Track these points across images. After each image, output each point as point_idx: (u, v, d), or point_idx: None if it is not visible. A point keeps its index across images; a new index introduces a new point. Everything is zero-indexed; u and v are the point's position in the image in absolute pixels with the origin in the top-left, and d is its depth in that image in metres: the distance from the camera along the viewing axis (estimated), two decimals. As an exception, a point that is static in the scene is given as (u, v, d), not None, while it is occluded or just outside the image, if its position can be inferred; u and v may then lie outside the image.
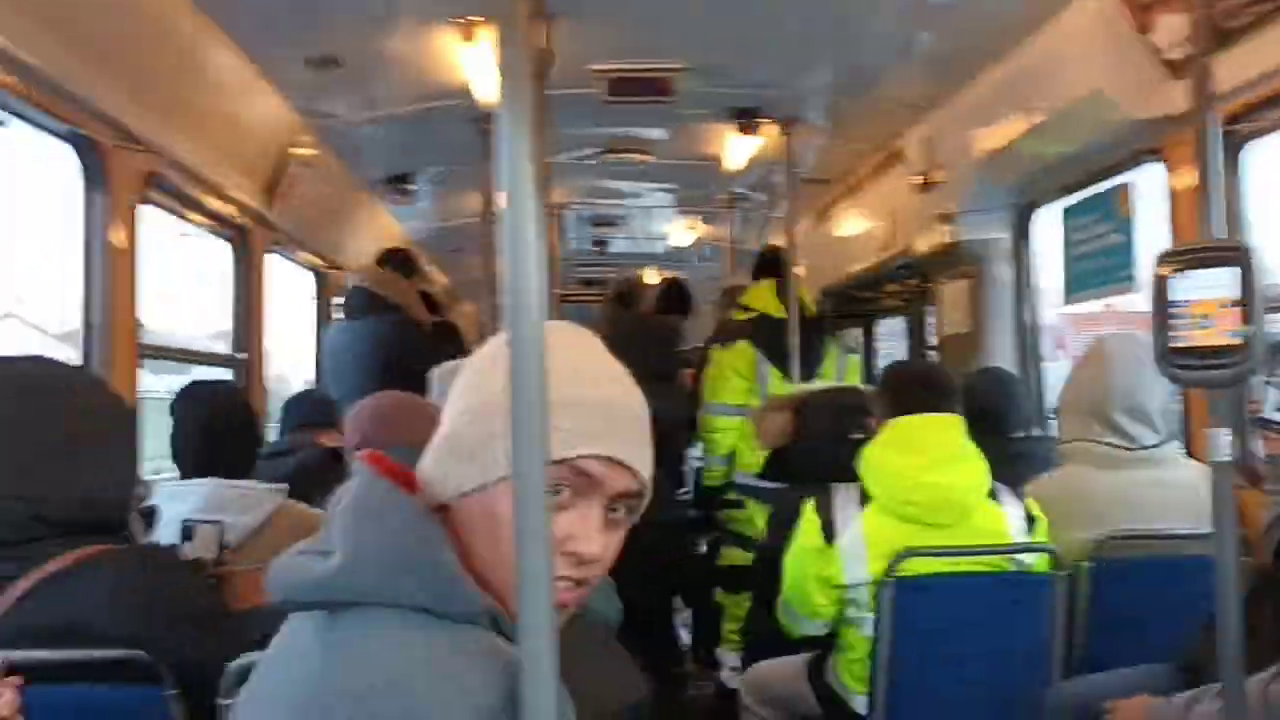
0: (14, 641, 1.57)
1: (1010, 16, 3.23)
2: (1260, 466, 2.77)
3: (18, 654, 1.45)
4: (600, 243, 7.55)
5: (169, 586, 1.72)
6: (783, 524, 2.73)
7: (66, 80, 2.62)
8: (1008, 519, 2.52)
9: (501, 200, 0.89)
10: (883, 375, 2.92)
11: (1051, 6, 3.14)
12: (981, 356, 4.12)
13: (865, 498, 2.53)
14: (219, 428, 2.39)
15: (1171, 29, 2.74)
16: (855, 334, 6.58)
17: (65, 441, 1.67)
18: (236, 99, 3.62)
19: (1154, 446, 2.65)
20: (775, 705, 2.91)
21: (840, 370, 4.57)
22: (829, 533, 2.52)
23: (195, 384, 2.54)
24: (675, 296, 5.27)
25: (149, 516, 1.99)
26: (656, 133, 4.80)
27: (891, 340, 6.51)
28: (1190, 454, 2.85)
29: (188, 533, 2.11)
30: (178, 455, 2.42)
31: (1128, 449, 2.64)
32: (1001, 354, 4.11)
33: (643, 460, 1.03)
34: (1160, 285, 1.82)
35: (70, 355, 2.99)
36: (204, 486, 2.31)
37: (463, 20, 3.23)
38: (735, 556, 4.23)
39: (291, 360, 6.28)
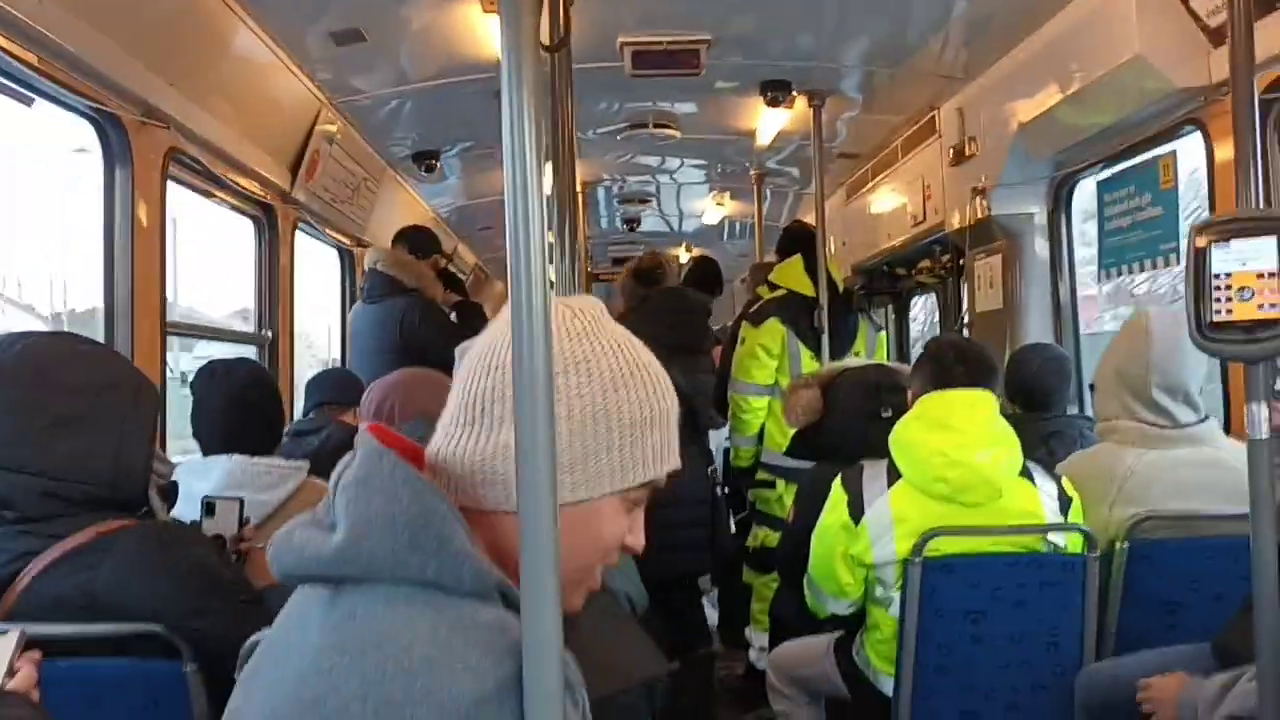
0: (33, 615, 1.58)
1: (1049, -18, 3.15)
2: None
3: (37, 628, 1.45)
4: (631, 220, 7.50)
5: (187, 561, 1.72)
6: (810, 503, 2.69)
7: (89, 56, 2.62)
8: (1042, 498, 2.47)
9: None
10: (922, 348, 2.87)
11: (1090, -29, 3.05)
12: (1014, 334, 4.04)
13: (895, 475, 2.49)
14: (240, 405, 2.39)
15: (1212, -7, 2.65)
16: (886, 311, 6.50)
17: (81, 417, 1.67)
18: (260, 74, 3.61)
19: (1193, 425, 2.58)
20: (802, 685, 2.88)
21: (870, 347, 4.52)
22: (857, 510, 2.49)
23: (216, 361, 2.53)
24: (706, 275, 5.21)
25: (170, 493, 1.99)
26: (685, 107, 4.73)
27: (923, 317, 6.43)
28: (1229, 431, 2.78)
29: (209, 509, 2.11)
30: (199, 433, 2.42)
31: (1168, 426, 2.58)
32: (1034, 332, 4.02)
33: None
34: (1198, 257, 1.76)
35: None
36: (226, 463, 2.31)
37: (485, -10, 3.20)
38: (764, 536, 4.21)
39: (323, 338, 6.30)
